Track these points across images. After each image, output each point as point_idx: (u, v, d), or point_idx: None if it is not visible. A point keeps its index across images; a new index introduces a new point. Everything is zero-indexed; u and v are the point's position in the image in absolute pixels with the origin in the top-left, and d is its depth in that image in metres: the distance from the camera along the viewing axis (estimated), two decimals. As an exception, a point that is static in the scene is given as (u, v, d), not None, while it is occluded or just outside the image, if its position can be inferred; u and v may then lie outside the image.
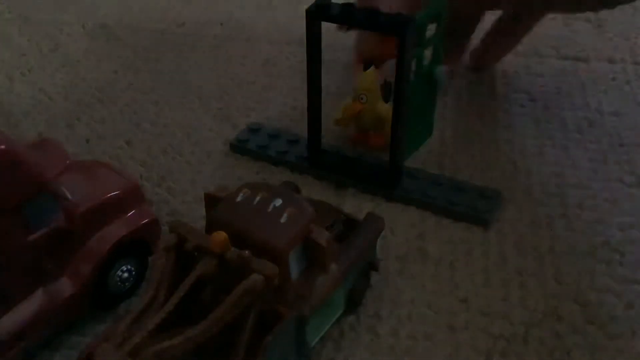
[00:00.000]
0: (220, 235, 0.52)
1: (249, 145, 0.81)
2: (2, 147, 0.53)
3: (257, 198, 0.56)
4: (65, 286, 0.59)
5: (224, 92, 0.93)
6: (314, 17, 0.70)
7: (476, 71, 0.95)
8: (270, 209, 0.55)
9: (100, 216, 0.61)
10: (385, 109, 0.78)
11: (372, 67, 0.77)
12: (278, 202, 0.56)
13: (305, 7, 0.69)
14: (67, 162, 0.64)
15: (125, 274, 0.63)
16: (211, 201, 0.58)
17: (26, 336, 0.56)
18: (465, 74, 0.94)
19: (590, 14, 1.08)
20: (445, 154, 0.81)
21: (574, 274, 0.66)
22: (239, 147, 0.82)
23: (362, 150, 0.81)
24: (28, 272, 0.57)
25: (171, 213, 0.73)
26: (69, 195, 0.59)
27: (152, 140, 0.84)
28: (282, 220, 0.54)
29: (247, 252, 0.52)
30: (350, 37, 0.90)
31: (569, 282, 0.65)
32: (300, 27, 0.72)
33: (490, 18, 0.91)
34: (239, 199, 0.56)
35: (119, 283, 0.63)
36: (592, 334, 0.61)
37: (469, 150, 0.81)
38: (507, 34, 0.91)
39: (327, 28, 0.73)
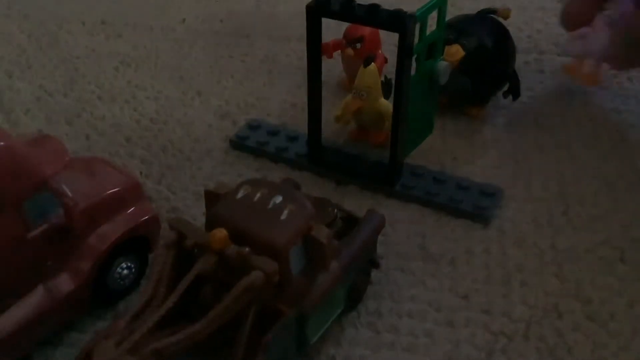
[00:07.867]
0: (220, 232, 0.52)
1: (249, 142, 0.81)
2: (2, 143, 0.53)
3: (257, 195, 0.56)
4: (65, 283, 0.59)
5: (223, 88, 0.92)
6: (315, 13, 0.69)
7: None
8: (270, 206, 0.55)
9: (100, 213, 0.61)
10: (386, 105, 0.78)
11: (373, 64, 0.77)
12: (278, 199, 0.56)
13: (306, 3, 0.69)
14: (67, 158, 0.64)
15: (125, 271, 0.63)
16: (211, 198, 0.58)
17: (26, 333, 0.56)
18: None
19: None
20: (446, 151, 0.81)
21: (574, 272, 0.66)
22: (238, 144, 0.81)
23: (362, 147, 0.81)
24: (28, 269, 0.57)
25: (171, 210, 0.73)
26: (68, 192, 0.58)
27: (152, 137, 0.84)
28: (282, 217, 0.54)
29: (247, 249, 0.51)
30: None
31: (570, 279, 0.65)
32: (300, 23, 0.72)
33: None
34: (239, 196, 0.56)
35: (119, 280, 0.63)
36: (593, 331, 0.61)
37: (469, 147, 0.81)
38: None
39: (328, 24, 0.73)
